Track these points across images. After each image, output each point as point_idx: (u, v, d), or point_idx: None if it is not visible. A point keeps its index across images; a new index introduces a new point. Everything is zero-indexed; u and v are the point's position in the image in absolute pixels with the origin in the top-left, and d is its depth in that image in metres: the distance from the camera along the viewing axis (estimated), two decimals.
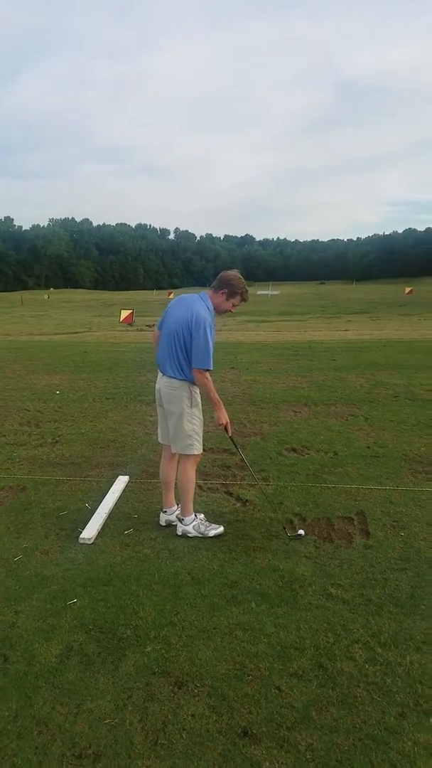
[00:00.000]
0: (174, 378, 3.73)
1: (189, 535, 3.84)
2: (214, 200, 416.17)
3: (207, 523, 3.91)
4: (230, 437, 3.98)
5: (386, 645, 2.73)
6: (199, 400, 3.83)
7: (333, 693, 2.43)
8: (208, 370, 3.65)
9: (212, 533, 3.86)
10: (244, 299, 3.78)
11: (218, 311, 3.78)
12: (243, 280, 3.76)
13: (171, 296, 60.57)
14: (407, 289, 54.83)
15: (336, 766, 2.07)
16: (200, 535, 3.84)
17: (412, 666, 2.59)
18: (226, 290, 3.71)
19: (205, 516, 4.04)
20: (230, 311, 3.82)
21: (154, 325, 19.06)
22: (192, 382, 3.73)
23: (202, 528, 3.86)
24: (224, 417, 3.80)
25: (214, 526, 3.91)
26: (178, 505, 4.04)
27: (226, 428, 3.85)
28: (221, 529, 3.90)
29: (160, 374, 3.87)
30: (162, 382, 3.83)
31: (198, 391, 3.81)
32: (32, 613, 3.01)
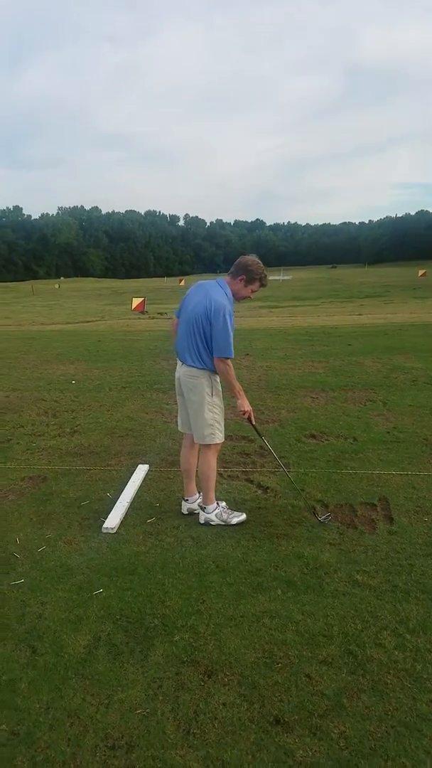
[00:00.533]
0: (194, 367, 3.70)
1: (212, 523, 3.84)
2: (224, 185, 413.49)
3: (229, 511, 3.90)
4: (253, 425, 3.96)
5: (415, 631, 2.71)
6: (220, 389, 3.80)
7: (363, 680, 2.42)
8: (229, 358, 3.62)
9: (235, 521, 3.85)
10: (263, 284, 3.72)
11: (237, 298, 3.72)
12: (261, 265, 3.69)
13: (182, 283, 60.40)
14: (420, 272, 54.17)
15: (369, 753, 2.06)
16: (223, 523, 3.83)
17: None
18: (245, 276, 3.64)
19: (227, 504, 4.02)
20: (249, 297, 3.76)
21: (166, 313, 19.04)
22: (212, 371, 3.69)
23: (225, 516, 3.85)
24: (247, 405, 3.77)
25: (236, 513, 3.90)
26: (199, 493, 4.03)
27: (249, 418, 3.83)
28: (244, 516, 3.89)
29: (179, 363, 3.84)
30: (182, 371, 3.80)
31: (218, 380, 3.77)
32: (59, 604, 3.02)
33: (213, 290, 3.65)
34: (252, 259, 3.69)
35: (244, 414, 3.80)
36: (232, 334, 3.61)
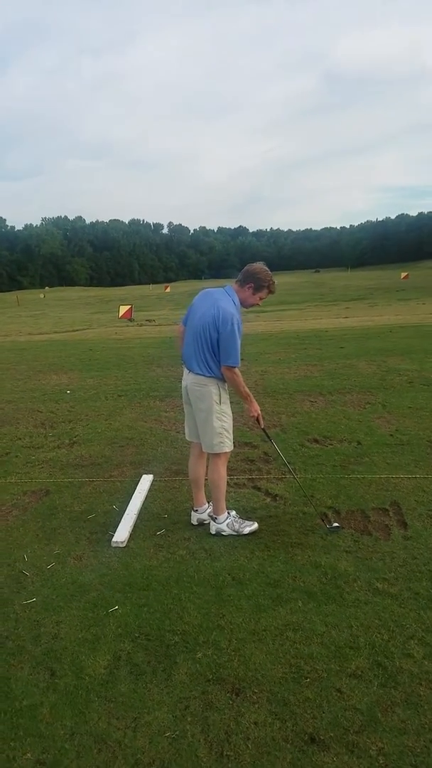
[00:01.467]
0: (202, 375, 3.64)
1: (223, 533, 3.76)
2: (206, 193, 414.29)
3: (241, 520, 3.83)
4: (263, 429, 3.92)
5: None
6: (228, 396, 3.74)
7: (396, 693, 2.35)
8: (236, 366, 3.57)
9: (247, 530, 3.78)
10: (271, 292, 3.67)
11: (245, 305, 3.68)
12: (269, 273, 3.63)
13: (167, 290, 60.40)
14: (403, 275, 54.53)
15: None
16: (235, 533, 3.75)
17: None
18: (253, 284, 3.60)
19: (237, 513, 3.95)
20: (257, 305, 3.72)
21: (154, 320, 18.93)
22: (220, 378, 3.63)
23: (236, 526, 3.78)
24: (255, 408, 3.74)
25: (248, 522, 3.83)
26: (209, 503, 3.96)
27: (258, 420, 3.79)
28: (255, 525, 3.83)
29: (186, 371, 3.78)
30: (189, 380, 3.73)
31: (227, 387, 3.72)
32: (74, 623, 2.92)
33: (221, 298, 3.60)
34: (260, 266, 3.64)
35: (252, 417, 3.78)
36: (239, 342, 3.56)
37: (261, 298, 3.66)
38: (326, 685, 2.41)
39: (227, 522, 3.78)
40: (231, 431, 3.77)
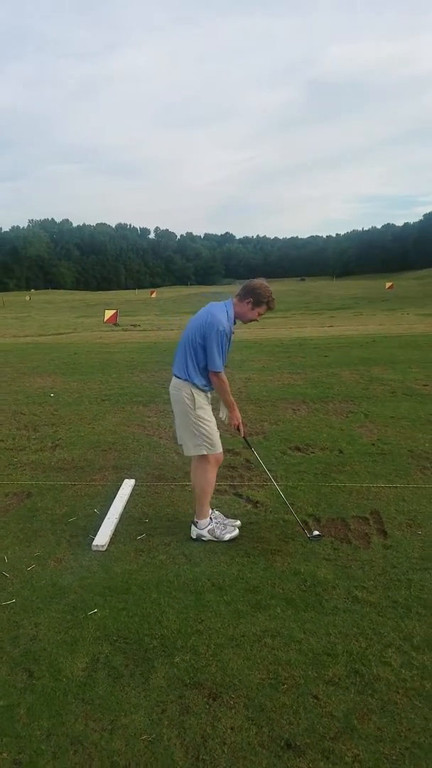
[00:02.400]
0: (178, 378, 3.71)
1: (204, 539, 3.77)
2: (193, 199, 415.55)
3: (223, 526, 3.83)
4: (244, 438, 3.94)
5: (420, 648, 2.68)
6: (206, 402, 3.75)
7: (372, 700, 2.37)
8: (217, 372, 3.59)
9: (227, 537, 3.78)
10: (270, 308, 3.70)
11: (242, 320, 3.71)
12: (269, 289, 3.66)
13: (153, 295, 60.38)
14: (387, 284, 55.00)
15: None
16: (215, 540, 3.76)
17: None
18: (252, 299, 3.62)
19: (220, 513, 4.01)
20: (255, 320, 3.75)
21: (139, 325, 18.96)
22: (194, 385, 3.65)
23: (217, 532, 3.78)
24: (237, 417, 3.79)
25: (229, 528, 3.83)
26: (212, 509, 4.00)
27: (238, 428, 3.82)
28: (236, 532, 3.83)
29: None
30: (171, 383, 3.78)
31: (206, 394, 3.73)
32: (53, 625, 2.91)
33: (214, 308, 3.65)
34: (260, 282, 3.68)
35: (233, 426, 3.83)
36: (221, 350, 3.58)
37: (259, 314, 3.68)
38: (303, 692, 2.43)
39: (208, 528, 3.79)
40: (212, 436, 3.73)
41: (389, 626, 2.85)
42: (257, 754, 2.12)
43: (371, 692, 2.42)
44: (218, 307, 3.66)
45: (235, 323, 3.71)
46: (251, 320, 3.73)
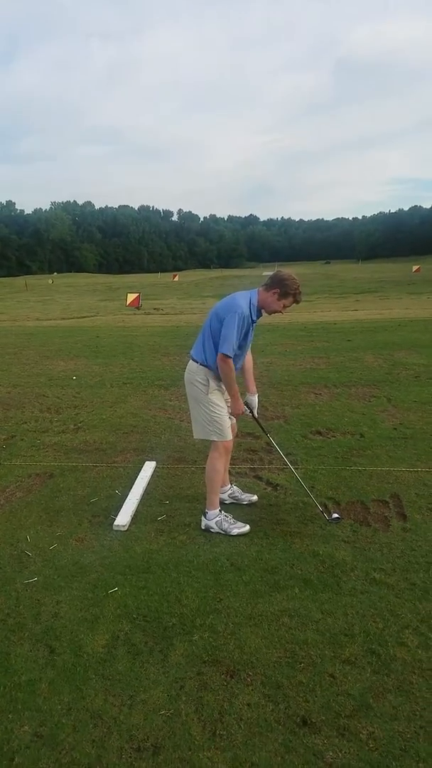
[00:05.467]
0: (195, 361, 3.70)
1: (211, 530, 3.73)
2: (217, 181, 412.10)
3: (232, 521, 3.77)
4: (257, 420, 3.99)
5: None
6: (217, 387, 3.70)
7: (388, 680, 2.39)
8: (226, 355, 3.50)
9: (235, 532, 3.69)
10: (296, 301, 3.61)
11: (266, 310, 3.63)
12: (297, 282, 3.58)
13: (176, 278, 60.19)
14: (414, 268, 54.06)
15: (400, 754, 2.04)
16: (222, 533, 3.71)
17: None
18: (279, 290, 3.54)
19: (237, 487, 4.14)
20: (280, 312, 3.66)
21: (161, 308, 19.02)
22: (210, 369, 3.64)
23: (225, 525, 3.73)
24: (238, 408, 3.76)
25: (239, 524, 3.75)
26: (230, 485, 4.16)
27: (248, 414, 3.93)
28: (246, 528, 3.73)
29: None
30: (187, 366, 3.79)
31: (217, 379, 3.68)
32: (74, 603, 2.98)
33: (238, 294, 3.62)
34: (289, 274, 3.60)
35: (236, 416, 3.86)
36: (235, 332, 3.48)
37: (285, 306, 3.60)
38: (320, 671, 2.45)
39: (216, 520, 3.75)
40: (223, 423, 3.71)
41: (407, 608, 2.86)
42: (273, 731, 2.16)
43: (387, 672, 2.43)
44: (242, 294, 3.62)
45: (260, 314, 3.64)
46: (275, 311, 3.63)
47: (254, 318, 3.60)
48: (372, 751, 2.06)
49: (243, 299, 3.55)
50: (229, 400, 3.80)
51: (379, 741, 2.09)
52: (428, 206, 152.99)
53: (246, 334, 3.60)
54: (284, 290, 3.55)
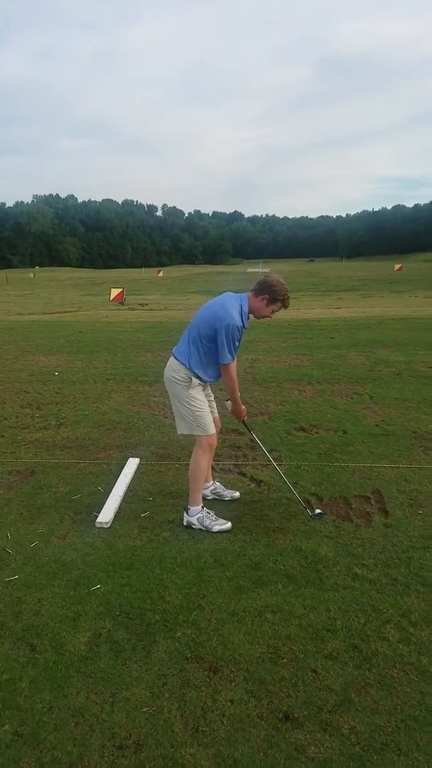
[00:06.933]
0: (175, 359, 3.70)
1: (193, 527, 3.72)
2: (202, 176, 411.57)
3: (214, 517, 3.77)
4: (244, 423, 3.98)
5: (418, 624, 2.72)
6: (198, 383, 3.71)
7: (370, 674, 2.41)
8: (227, 364, 3.58)
9: (216, 529, 3.69)
10: (284, 306, 3.63)
11: (255, 315, 3.66)
12: (286, 288, 3.60)
13: (160, 274, 60.03)
14: (396, 266, 54.54)
15: (381, 748, 2.05)
16: (204, 529, 3.70)
17: None
18: (267, 295, 3.56)
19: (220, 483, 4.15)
20: (269, 317, 3.69)
21: (147, 304, 18.89)
22: (192, 372, 3.64)
23: (207, 522, 3.72)
24: (240, 412, 3.86)
25: (221, 521, 3.75)
26: (213, 481, 4.17)
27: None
28: (228, 525, 3.73)
29: None
30: (168, 363, 3.79)
31: (200, 381, 3.70)
32: (56, 601, 2.95)
33: (228, 301, 3.59)
34: (278, 280, 3.61)
35: (238, 419, 3.93)
36: (230, 344, 3.53)
37: (273, 311, 3.63)
38: (302, 666, 2.46)
39: (198, 516, 3.73)
40: (204, 418, 3.72)
41: (388, 603, 2.88)
42: (256, 726, 2.16)
43: (369, 666, 2.45)
44: (232, 300, 3.60)
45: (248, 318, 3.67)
46: (264, 317, 3.66)
47: (245, 325, 3.61)
48: (354, 745, 2.07)
49: (234, 308, 3.53)
50: (211, 395, 3.90)
51: (360, 735, 2.11)
52: (411, 205, 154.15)
53: (238, 341, 3.64)
54: (273, 296, 3.56)
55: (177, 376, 3.66)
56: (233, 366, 3.62)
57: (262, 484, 4.40)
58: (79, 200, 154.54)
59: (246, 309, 3.59)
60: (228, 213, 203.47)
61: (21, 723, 2.20)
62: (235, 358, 3.65)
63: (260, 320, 3.77)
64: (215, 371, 3.68)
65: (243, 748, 2.07)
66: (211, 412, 3.84)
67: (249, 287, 3.66)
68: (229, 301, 3.59)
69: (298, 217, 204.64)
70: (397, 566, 3.21)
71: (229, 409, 3.88)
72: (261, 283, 3.62)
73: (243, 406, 3.85)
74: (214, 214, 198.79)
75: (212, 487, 4.15)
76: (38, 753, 2.06)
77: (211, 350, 3.58)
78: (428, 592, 2.96)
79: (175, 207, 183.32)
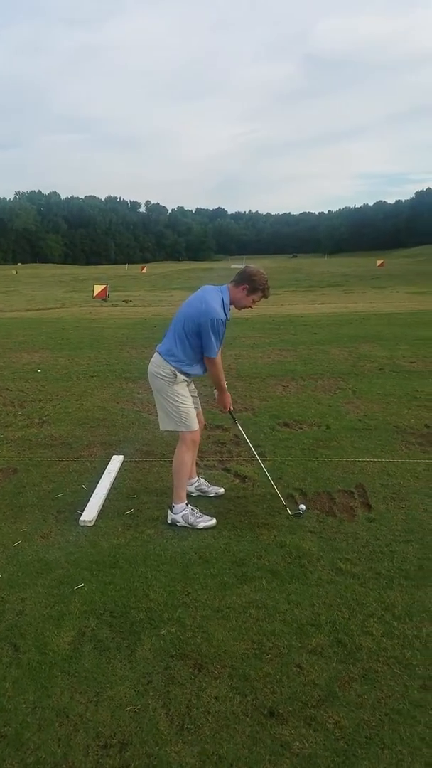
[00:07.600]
0: (159, 355, 3.69)
1: (178, 524, 3.70)
2: (185, 173, 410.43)
3: (198, 514, 3.75)
4: (230, 412, 3.97)
5: (401, 618, 2.73)
6: (183, 379, 3.70)
7: (354, 669, 2.42)
8: (212, 358, 3.60)
9: (201, 525, 3.68)
10: (265, 296, 3.67)
11: (237, 306, 3.67)
12: (265, 277, 3.63)
13: (144, 270, 59.75)
14: (378, 262, 54.85)
15: (366, 742, 2.06)
16: (188, 526, 3.68)
17: (429, 638, 2.60)
18: (247, 285, 3.58)
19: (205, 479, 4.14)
20: (250, 307, 3.72)
21: (130, 300, 18.81)
22: (176, 367, 3.64)
23: (192, 519, 3.70)
24: (225, 402, 3.86)
25: (205, 518, 3.74)
26: (198, 477, 4.16)
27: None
28: (213, 521, 3.72)
29: None
30: (152, 360, 3.78)
31: (185, 376, 3.70)
32: (39, 600, 2.93)
33: (209, 295, 3.60)
34: (257, 270, 3.64)
35: (224, 410, 3.93)
36: (216, 337, 3.56)
37: (254, 301, 3.65)
38: (287, 661, 2.47)
39: (182, 513, 3.72)
40: (189, 413, 3.72)
41: (372, 597, 2.90)
42: (241, 723, 2.16)
43: (353, 661, 2.46)
44: (213, 293, 3.61)
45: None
46: (245, 307, 3.69)
47: (228, 317, 3.62)
48: (338, 739, 2.08)
49: (215, 301, 3.54)
50: (195, 391, 3.90)
51: (345, 730, 2.12)
52: (392, 201, 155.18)
53: (222, 333, 3.64)
54: (253, 286, 3.58)
55: (161, 372, 3.65)
56: (219, 359, 3.64)
57: (246, 479, 4.40)
58: (62, 197, 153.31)
59: (227, 301, 3.60)
60: (211, 209, 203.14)
61: (4, 724, 2.17)
62: (220, 351, 3.66)
63: (243, 315, 3.79)
64: (202, 366, 3.69)
65: (228, 744, 2.06)
66: (195, 407, 3.82)
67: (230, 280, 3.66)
68: (210, 294, 3.60)
69: (281, 213, 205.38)
70: (381, 560, 3.23)
71: (216, 398, 3.87)
72: (241, 273, 3.64)
73: (228, 394, 3.85)
74: (198, 210, 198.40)
75: (196, 484, 4.15)
76: (22, 754, 2.04)
77: (198, 346, 3.59)
78: (411, 586, 2.98)
79: (158, 203, 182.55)
